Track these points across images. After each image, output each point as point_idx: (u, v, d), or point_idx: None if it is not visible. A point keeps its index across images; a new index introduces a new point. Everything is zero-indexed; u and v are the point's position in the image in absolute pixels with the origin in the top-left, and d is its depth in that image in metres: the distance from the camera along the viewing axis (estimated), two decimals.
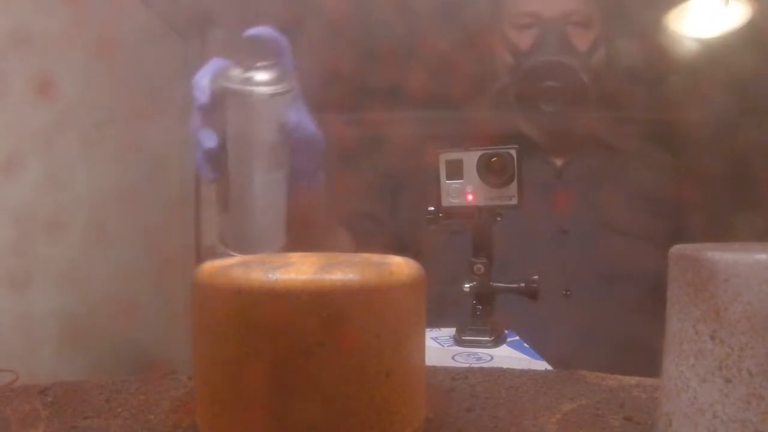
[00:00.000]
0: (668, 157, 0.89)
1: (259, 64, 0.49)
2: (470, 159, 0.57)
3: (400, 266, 0.30)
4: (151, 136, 1.09)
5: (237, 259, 0.32)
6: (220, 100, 0.49)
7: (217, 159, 0.51)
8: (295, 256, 0.32)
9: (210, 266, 0.30)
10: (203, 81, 0.49)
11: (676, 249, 0.29)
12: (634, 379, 0.43)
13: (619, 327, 0.74)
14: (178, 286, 1.12)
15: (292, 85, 0.50)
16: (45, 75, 0.83)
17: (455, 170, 0.58)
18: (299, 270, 0.27)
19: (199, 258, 1.28)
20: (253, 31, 0.48)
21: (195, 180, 1.33)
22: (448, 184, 0.58)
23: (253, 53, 0.49)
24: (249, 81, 0.48)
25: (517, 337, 0.61)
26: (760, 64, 0.88)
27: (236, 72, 0.49)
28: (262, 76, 0.49)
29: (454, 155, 0.58)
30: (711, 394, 0.26)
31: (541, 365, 0.53)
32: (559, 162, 0.86)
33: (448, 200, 0.58)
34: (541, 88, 0.78)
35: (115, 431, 0.35)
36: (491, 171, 0.57)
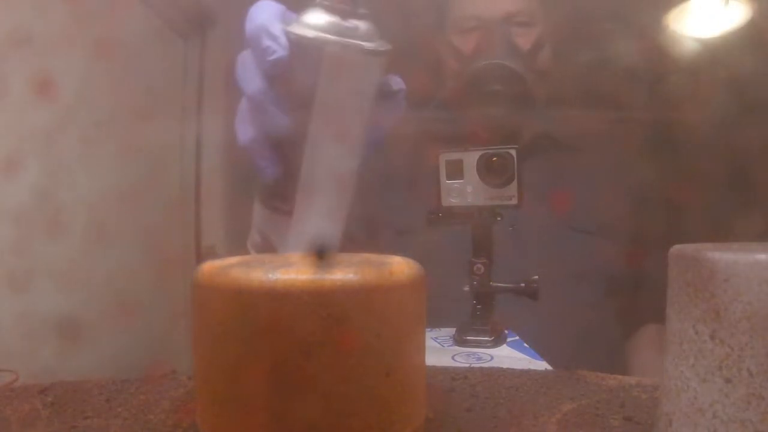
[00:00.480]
0: (628, 155, 0.88)
1: (357, 11, 0.35)
2: (470, 159, 0.57)
3: (400, 266, 0.30)
4: (151, 136, 1.09)
5: (237, 258, 0.32)
6: (304, 56, 0.34)
7: (286, 142, 0.37)
8: (295, 256, 0.32)
9: (210, 266, 0.30)
10: (275, 28, 0.34)
11: (676, 249, 0.29)
12: (634, 379, 0.43)
13: (568, 324, 0.73)
14: (178, 286, 1.12)
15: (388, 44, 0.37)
16: (45, 75, 0.83)
17: (455, 170, 0.58)
18: (299, 270, 0.27)
19: (199, 258, 1.28)
20: None
21: (195, 180, 1.33)
22: (448, 184, 0.58)
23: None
24: (354, 32, 0.34)
25: (517, 337, 0.61)
26: (760, 64, 0.88)
27: (329, 19, 0.34)
28: (364, 27, 0.35)
29: (454, 155, 0.58)
30: (711, 394, 0.26)
31: (541, 365, 0.53)
32: None
33: (448, 200, 0.58)
34: (485, 92, 0.77)
35: (115, 431, 0.35)
36: (491, 171, 0.57)
